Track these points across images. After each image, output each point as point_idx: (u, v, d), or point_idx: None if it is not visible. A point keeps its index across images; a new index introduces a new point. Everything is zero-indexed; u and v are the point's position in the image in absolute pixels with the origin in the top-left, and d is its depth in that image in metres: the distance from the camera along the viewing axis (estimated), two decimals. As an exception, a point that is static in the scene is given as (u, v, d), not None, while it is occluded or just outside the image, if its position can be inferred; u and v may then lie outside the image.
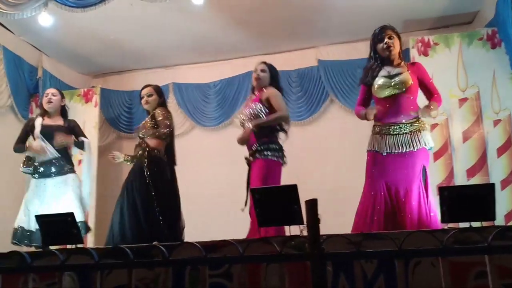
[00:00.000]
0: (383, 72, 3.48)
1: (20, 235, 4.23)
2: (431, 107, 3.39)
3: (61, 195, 4.28)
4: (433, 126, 4.93)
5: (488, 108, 4.92)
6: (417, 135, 3.37)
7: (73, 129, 4.43)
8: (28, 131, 4.42)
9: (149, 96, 4.12)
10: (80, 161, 5.47)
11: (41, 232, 2.66)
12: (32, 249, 4.17)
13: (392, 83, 3.41)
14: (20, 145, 4.39)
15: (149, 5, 4.84)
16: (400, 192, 3.33)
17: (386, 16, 5.45)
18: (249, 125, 3.67)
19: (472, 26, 5.61)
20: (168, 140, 4.11)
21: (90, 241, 5.28)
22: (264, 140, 3.69)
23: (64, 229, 2.45)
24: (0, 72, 5.54)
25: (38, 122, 4.37)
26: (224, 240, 2.20)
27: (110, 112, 6.76)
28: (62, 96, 4.57)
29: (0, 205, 5.18)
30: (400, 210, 3.31)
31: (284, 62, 6.28)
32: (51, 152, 4.29)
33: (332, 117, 6.08)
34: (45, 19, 5.09)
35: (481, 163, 4.79)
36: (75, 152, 4.72)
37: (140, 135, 4.06)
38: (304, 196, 2.02)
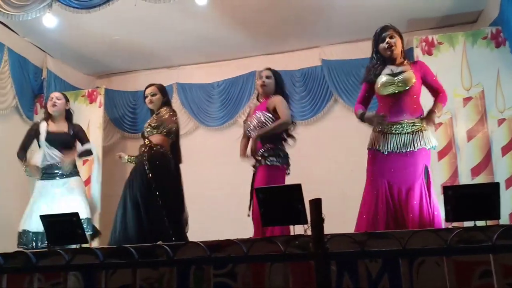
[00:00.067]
0: (386, 70, 3.48)
1: (26, 238, 4.25)
2: (435, 113, 3.39)
3: (67, 198, 4.31)
4: (437, 125, 4.92)
5: (493, 107, 4.90)
6: (419, 135, 3.36)
7: (77, 135, 4.46)
8: (32, 136, 4.45)
9: (153, 95, 4.13)
10: (84, 162, 5.51)
11: (46, 232, 2.68)
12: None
13: (396, 81, 3.41)
14: (23, 152, 4.42)
15: (153, 5, 4.85)
16: (402, 191, 3.32)
17: (390, 16, 5.45)
18: (254, 134, 3.73)
19: (476, 25, 5.59)
20: (174, 138, 4.11)
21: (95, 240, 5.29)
22: (270, 146, 3.70)
23: (69, 229, 2.46)
24: (5, 73, 5.56)
25: (43, 128, 4.41)
26: (229, 240, 2.20)
27: (115, 113, 6.78)
28: (67, 100, 4.61)
29: (7, 206, 5.20)
30: (402, 209, 3.30)
31: (288, 62, 6.30)
32: (54, 159, 4.34)
33: (336, 117, 6.08)
34: (50, 20, 5.11)
35: (486, 162, 4.78)
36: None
37: (145, 134, 4.07)
38: (308, 195, 2.02)
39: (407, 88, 3.39)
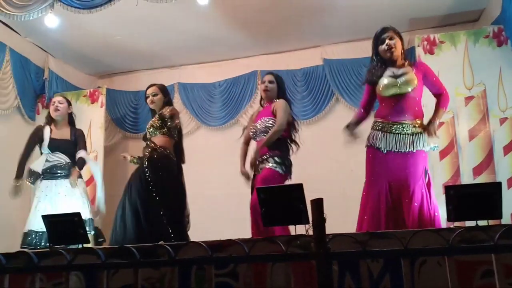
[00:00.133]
0: (388, 72, 3.46)
1: (31, 238, 4.27)
2: (435, 122, 3.40)
3: (70, 198, 4.32)
4: (439, 124, 4.90)
5: (495, 106, 4.89)
6: (419, 137, 3.35)
7: (76, 141, 4.48)
8: (35, 142, 4.50)
9: (154, 95, 4.13)
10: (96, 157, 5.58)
11: (48, 232, 2.68)
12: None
13: (398, 83, 3.39)
14: (26, 157, 4.47)
15: (154, 5, 4.85)
16: (403, 192, 3.30)
17: (392, 15, 5.46)
18: (259, 133, 3.79)
19: (478, 24, 5.58)
20: (177, 138, 4.11)
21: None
22: (277, 153, 3.71)
23: (71, 229, 2.47)
24: (7, 73, 5.57)
25: (47, 135, 4.46)
26: (230, 240, 2.20)
27: (116, 112, 6.78)
28: (69, 104, 4.63)
29: (8, 206, 5.20)
30: (403, 210, 3.29)
31: (289, 61, 6.30)
32: (57, 160, 4.39)
33: (337, 116, 6.05)
34: (51, 20, 5.11)
35: (488, 161, 4.77)
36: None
37: (148, 135, 4.07)
38: (309, 195, 2.02)
39: (409, 90, 3.38)
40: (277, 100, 3.88)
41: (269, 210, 2.31)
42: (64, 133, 4.49)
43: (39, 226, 4.18)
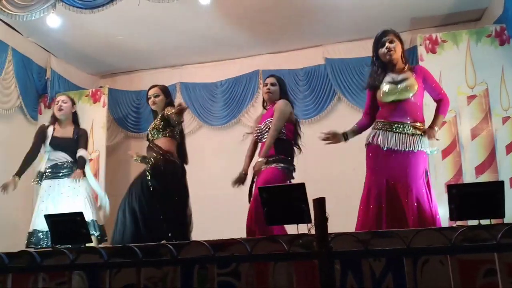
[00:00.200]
0: (388, 78, 3.46)
1: (36, 238, 4.28)
2: (434, 129, 3.41)
3: (73, 198, 4.33)
4: (442, 123, 4.91)
5: (497, 105, 4.89)
6: (420, 138, 3.35)
7: (77, 140, 4.48)
8: (41, 140, 4.53)
9: (156, 96, 4.12)
10: (90, 160, 5.55)
11: (50, 231, 2.68)
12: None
13: (398, 89, 3.40)
14: (30, 157, 4.49)
15: (156, 5, 4.86)
16: (402, 191, 3.30)
17: (393, 14, 5.47)
18: (263, 134, 3.82)
19: (480, 23, 5.57)
20: (179, 139, 4.11)
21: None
22: (282, 157, 3.73)
23: (73, 229, 2.47)
24: (9, 73, 5.58)
25: (50, 133, 4.49)
26: (232, 239, 2.20)
27: (118, 112, 6.80)
28: (73, 103, 4.64)
29: (11, 206, 5.22)
30: (403, 209, 3.29)
31: (291, 61, 6.30)
32: (60, 159, 4.42)
33: (339, 115, 6.06)
34: (53, 20, 5.12)
35: (490, 160, 4.76)
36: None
37: (149, 137, 4.06)
38: (311, 194, 2.02)
39: (410, 96, 3.39)
40: (277, 101, 3.90)
41: (271, 209, 2.31)
42: (67, 132, 4.50)
43: (43, 225, 4.18)
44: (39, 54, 6.09)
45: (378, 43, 3.50)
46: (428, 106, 3.63)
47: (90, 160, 5.52)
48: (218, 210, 5.69)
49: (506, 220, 2.21)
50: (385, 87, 3.44)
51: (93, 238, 4.32)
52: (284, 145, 3.76)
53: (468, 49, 5.06)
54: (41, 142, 4.50)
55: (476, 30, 5.22)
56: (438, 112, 3.50)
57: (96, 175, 5.52)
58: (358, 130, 3.65)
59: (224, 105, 6.54)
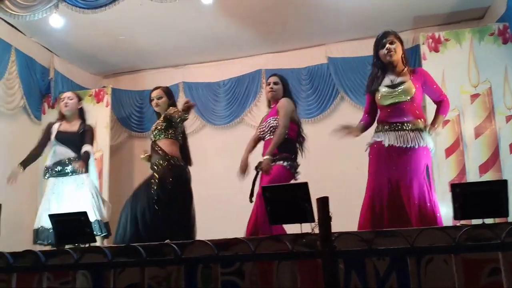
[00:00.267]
0: (386, 80, 3.47)
1: (43, 234, 4.31)
2: (434, 127, 3.42)
3: (78, 196, 4.34)
4: (445, 122, 4.89)
5: (500, 104, 4.87)
6: (420, 134, 3.35)
7: (82, 135, 4.48)
8: (47, 136, 4.53)
9: (159, 98, 4.12)
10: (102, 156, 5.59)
11: (54, 231, 2.69)
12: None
13: (396, 93, 3.41)
14: (37, 151, 4.51)
15: (158, 5, 4.86)
16: (403, 188, 3.31)
17: (396, 13, 5.46)
18: (267, 133, 3.83)
19: (483, 22, 5.56)
20: (181, 140, 4.11)
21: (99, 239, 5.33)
22: (286, 155, 3.73)
23: (78, 228, 2.47)
24: (13, 73, 5.59)
25: (55, 128, 4.50)
26: (236, 238, 2.21)
27: (121, 112, 6.80)
28: (79, 99, 4.65)
29: (17, 204, 5.25)
30: (404, 207, 3.29)
31: (294, 60, 6.29)
32: (64, 155, 4.41)
33: (342, 115, 6.04)
34: (56, 20, 5.13)
35: (494, 159, 4.75)
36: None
37: (152, 138, 4.06)
38: (315, 194, 2.02)
39: (407, 99, 3.40)
40: (281, 99, 3.92)
41: (274, 208, 2.31)
42: (72, 127, 4.51)
43: (49, 222, 4.22)
44: (42, 54, 6.10)
45: (379, 44, 3.50)
46: (430, 104, 3.63)
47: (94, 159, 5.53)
48: (221, 209, 5.69)
49: (510, 219, 2.21)
50: (382, 90, 3.46)
51: (98, 238, 4.33)
52: (287, 144, 3.77)
53: (471, 47, 5.04)
54: (47, 139, 4.51)
55: (479, 28, 5.20)
56: (438, 112, 3.51)
57: (99, 174, 5.52)
58: (364, 127, 3.65)
59: (227, 104, 6.54)
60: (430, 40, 5.16)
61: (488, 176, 4.66)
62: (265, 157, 3.69)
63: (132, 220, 3.79)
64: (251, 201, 3.74)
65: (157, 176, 3.87)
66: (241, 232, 3.65)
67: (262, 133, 3.91)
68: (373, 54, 3.56)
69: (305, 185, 2.29)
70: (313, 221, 2.21)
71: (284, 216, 2.38)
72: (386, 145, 3.36)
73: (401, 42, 3.52)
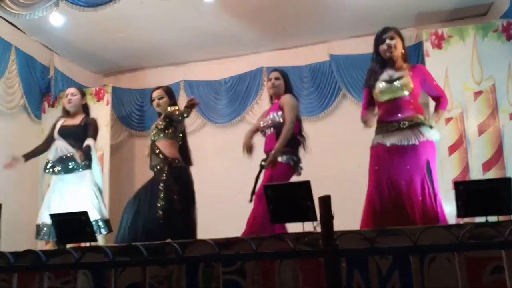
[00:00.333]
0: (385, 75, 3.47)
1: (44, 230, 4.32)
2: (437, 120, 3.46)
3: (79, 192, 4.33)
4: (448, 119, 4.89)
5: (504, 101, 4.85)
6: (418, 129, 3.34)
7: (85, 128, 4.47)
8: (52, 133, 4.53)
9: (160, 98, 4.11)
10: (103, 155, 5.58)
11: (55, 230, 2.69)
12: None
13: (393, 88, 3.41)
14: (43, 146, 4.53)
15: (159, 3, 4.85)
16: (404, 186, 3.30)
17: (399, 9, 5.43)
18: (267, 128, 3.84)
19: (486, 18, 5.53)
20: (181, 140, 4.09)
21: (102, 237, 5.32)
22: (285, 149, 3.72)
23: (78, 228, 2.47)
24: (13, 72, 5.58)
25: (59, 124, 4.50)
26: (237, 237, 2.20)
27: (122, 111, 6.79)
28: (83, 95, 4.66)
29: (17, 202, 5.25)
30: (405, 204, 3.28)
31: (296, 58, 6.27)
32: (65, 151, 4.38)
33: (344, 112, 6.04)
34: (56, 19, 5.12)
35: (497, 156, 4.73)
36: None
37: (152, 137, 4.05)
38: (317, 192, 2.00)
39: (405, 94, 3.39)
40: (284, 95, 3.91)
41: (276, 207, 2.30)
42: (75, 121, 4.52)
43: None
44: (42, 53, 6.09)
45: (379, 40, 3.51)
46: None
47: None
48: (222, 209, 5.68)
49: (514, 217, 2.19)
50: (380, 85, 3.45)
51: (99, 237, 4.33)
52: (290, 140, 3.74)
53: (474, 44, 5.02)
54: (52, 135, 4.51)
55: (482, 25, 5.17)
56: (438, 107, 3.52)
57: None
58: (371, 116, 3.62)
59: (228, 102, 6.53)
60: (433, 37, 5.13)
61: (492, 174, 4.65)
62: (274, 152, 3.67)
63: (133, 223, 3.79)
64: (251, 200, 3.72)
65: (158, 179, 3.86)
66: (242, 232, 3.64)
67: (264, 127, 3.89)
68: (373, 50, 3.57)
69: (307, 184, 2.28)
70: (315, 219, 2.20)
71: (286, 215, 2.37)
72: (388, 144, 3.37)
73: (402, 38, 3.52)
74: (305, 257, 2.08)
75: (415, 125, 3.35)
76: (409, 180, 3.29)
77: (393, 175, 3.34)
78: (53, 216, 2.71)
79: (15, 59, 5.59)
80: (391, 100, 3.41)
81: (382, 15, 5.19)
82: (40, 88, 6.12)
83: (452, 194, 2.23)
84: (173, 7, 5.26)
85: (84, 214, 2.54)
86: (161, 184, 3.83)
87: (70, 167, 4.39)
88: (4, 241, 2.06)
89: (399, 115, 3.38)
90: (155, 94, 4.15)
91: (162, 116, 4.05)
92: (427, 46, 5.13)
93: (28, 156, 4.46)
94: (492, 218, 2.10)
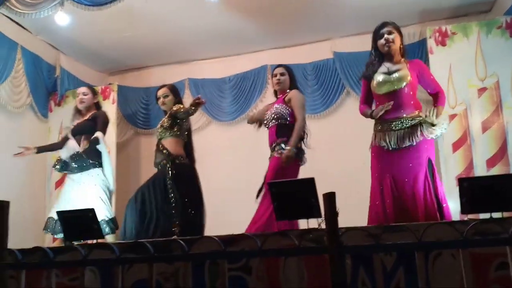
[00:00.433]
0: (383, 68, 3.49)
1: (50, 225, 4.36)
2: (437, 118, 3.40)
3: (87, 191, 4.36)
4: (452, 116, 4.88)
5: (508, 98, 4.83)
6: (419, 128, 3.35)
7: (93, 120, 4.50)
8: (67, 132, 4.61)
9: (165, 97, 4.13)
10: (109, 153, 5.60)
11: (62, 228, 2.71)
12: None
13: (391, 79, 3.42)
14: (55, 146, 4.64)
15: (163, 1, 4.86)
16: (406, 185, 3.31)
17: (402, 6, 5.42)
18: (270, 120, 3.87)
19: (490, 15, 5.51)
20: (186, 138, 4.11)
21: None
22: (283, 139, 3.75)
23: (85, 225, 2.49)
24: (19, 71, 5.61)
25: (74, 123, 4.58)
26: (243, 234, 2.21)
27: (127, 109, 6.81)
28: (94, 93, 4.70)
29: (23, 201, 5.29)
30: (408, 202, 3.29)
31: (299, 55, 6.26)
32: (74, 149, 4.42)
33: (348, 110, 6.02)
34: (62, 18, 5.15)
35: (501, 153, 4.72)
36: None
37: (158, 136, 4.07)
38: (321, 189, 2.01)
39: (402, 86, 3.40)
40: (290, 90, 3.95)
41: (281, 204, 2.31)
42: (86, 117, 4.56)
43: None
44: (48, 52, 6.11)
45: (377, 34, 3.53)
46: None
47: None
48: (227, 205, 5.69)
49: (518, 213, 2.19)
50: (379, 77, 3.47)
51: (108, 237, 4.35)
52: (285, 129, 3.79)
53: (478, 41, 5.00)
54: (67, 136, 4.55)
55: (486, 21, 5.16)
56: (437, 103, 3.51)
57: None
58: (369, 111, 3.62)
59: (232, 100, 6.53)
60: (437, 34, 5.12)
61: (496, 170, 4.64)
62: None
63: (137, 218, 3.80)
64: (257, 196, 3.74)
65: (161, 176, 3.88)
66: (246, 228, 3.66)
67: (267, 120, 3.92)
68: (371, 45, 3.59)
69: (311, 181, 2.29)
70: (319, 216, 2.21)
71: (291, 212, 2.38)
72: (390, 149, 3.37)
73: (400, 32, 3.54)
74: (310, 254, 2.10)
75: (417, 125, 3.35)
76: (414, 179, 3.30)
77: (397, 174, 3.35)
78: (60, 213, 2.73)
79: (22, 58, 5.62)
80: (390, 93, 3.41)
81: (386, 12, 5.17)
82: (47, 87, 6.15)
83: (456, 190, 2.23)
84: (178, 6, 5.27)
85: (91, 211, 2.56)
86: (166, 181, 3.85)
87: (77, 166, 4.42)
88: (11, 239, 2.08)
89: (402, 110, 3.38)
90: (160, 92, 4.16)
91: (168, 115, 4.06)
92: (430, 43, 5.12)
93: (41, 149, 4.53)
94: (497, 215, 2.10)
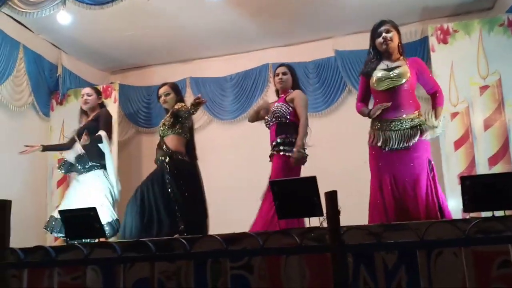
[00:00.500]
0: (382, 65, 3.50)
1: (50, 223, 4.37)
2: (438, 119, 3.41)
3: (91, 192, 4.36)
4: (454, 114, 4.87)
5: (510, 95, 4.82)
6: (418, 129, 3.35)
7: (96, 120, 4.51)
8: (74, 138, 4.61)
9: (167, 95, 4.13)
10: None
11: (64, 226, 2.72)
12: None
13: (391, 76, 3.41)
14: (63, 146, 4.67)
15: (165, 0, 4.85)
16: (408, 185, 3.31)
17: (404, 4, 5.41)
18: (270, 119, 3.89)
19: (492, 12, 5.49)
20: (188, 136, 4.11)
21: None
22: (283, 137, 3.76)
23: (87, 224, 2.49)
24: (21, 70, 5.62)
25: (80, 125, 4.60)
26: (244, 233, 2.21)
27: (129, 108, 6.82)
28: (98, 94, 4.70)
29: (25, 200, 5.30)
30: (408, 202, 3.28)
31: (301, 54, 6.26)
32: (75, 151, 4.43)
33: (349, 108, 5.99)
34: (64, 17, 5.14)
35: (503, 151, 4.71)
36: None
37: (160, 133, 4.08)
38: (323, 188, 2.01)
39: (402, 82, 3.39)
40: (292, 90, 3.96)
41: (282, 203, 2.31)
42: (90, 118, 4.57)
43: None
44: (50, 51, 6.12)
45: (375, 33, 3.54)
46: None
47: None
48: (229, 204, 5.69)
49: (520, 211, 2.19)
50: (378, 74, 3.47)
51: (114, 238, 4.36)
52: (284, 127, 3.80)
53: (480, 39, 4.99)
54: (74, 138, 4.55)
55: (488, 19, 5.14)
56: (436, 104, 3.51)
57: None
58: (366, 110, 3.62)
59: (234, 99, 6.53)
60: (439, 32, 5.11)
61: (498, 168, 4.63)
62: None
63: (137, 216, 3.81)
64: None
65: (160, 171, 3.89)
66: (249, 227, 3.66)
67: (268, 120, 3.93)
68: (370, 43, 3.59)
69: (313, 179, 2.29)
70: (321, 215, 2.21)
71: (293, 210, 2.38)
72: (387, 149, 3.37)
73: (398, 31, 3.55)
74: (311, 252, 2.10)
75: (416, 126, 3.35)
76: (415, 179, 3.30)
77: (397, 174, 3.34)
78: (62, 212, 2.73)
79: (23, 57, 5.62)
80: (389, 90, 3.41)
81: (387, 10, 5.16)
82: (48, 86, 6.15)
83: (458, 189, 2.23)
84: (180, 5, 5.27)
85: (93, 210, 2.56)
86: (164, 176, 3.86)
87: (80, 167, 4.43)
88: (13, 237, 2.08)
89: (402, 110, 3.38)
90: (162, 90, 4.16)
91: (170, 113, 4.07)
92: (432, 41, 5.11)
93: (47, 148, 4.54)
94: (499, 213, 2.10)
